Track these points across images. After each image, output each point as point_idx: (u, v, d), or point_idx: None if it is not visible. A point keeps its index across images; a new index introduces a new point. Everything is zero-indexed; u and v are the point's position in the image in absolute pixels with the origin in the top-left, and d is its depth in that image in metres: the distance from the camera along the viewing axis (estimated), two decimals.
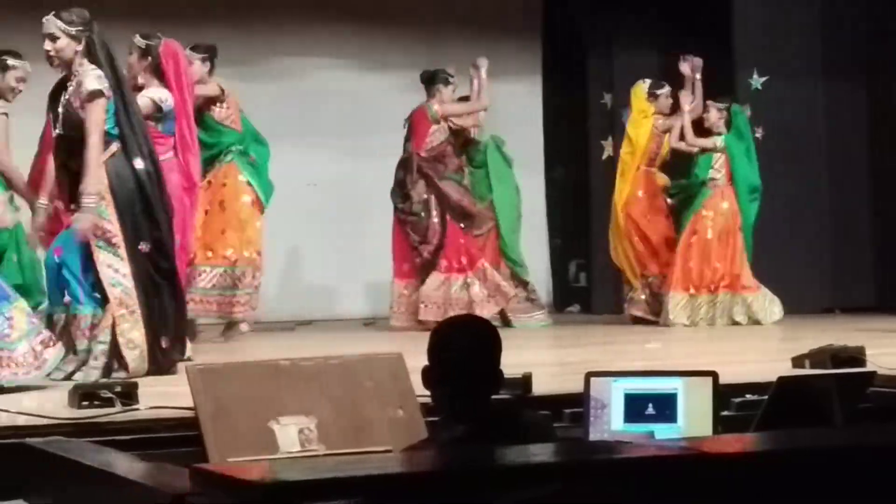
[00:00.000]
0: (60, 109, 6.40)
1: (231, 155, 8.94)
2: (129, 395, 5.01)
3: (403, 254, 9.65)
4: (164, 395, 5.09)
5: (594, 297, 11.97)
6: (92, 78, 6.32)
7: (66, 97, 6.39)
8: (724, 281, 9.77)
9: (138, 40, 7.50)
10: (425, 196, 9.61)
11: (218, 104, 8.81)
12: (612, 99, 11.66)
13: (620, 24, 11.64)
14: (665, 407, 4.02)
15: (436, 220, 9.63)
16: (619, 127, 11.17)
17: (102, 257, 6.34)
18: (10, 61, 7.41)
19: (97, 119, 6.29)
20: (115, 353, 6.29)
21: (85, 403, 4.96)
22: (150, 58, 7.41)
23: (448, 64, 9.95)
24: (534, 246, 10.75)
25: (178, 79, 7.44)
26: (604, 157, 11.80)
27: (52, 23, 6.35)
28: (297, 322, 10.25)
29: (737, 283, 9.79)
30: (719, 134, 9.97)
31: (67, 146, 6.41)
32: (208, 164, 8.78)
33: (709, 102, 10.06)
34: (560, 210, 12.24)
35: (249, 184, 8.90)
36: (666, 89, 10.13)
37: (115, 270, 6.37)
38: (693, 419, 3.99)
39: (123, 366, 6.29)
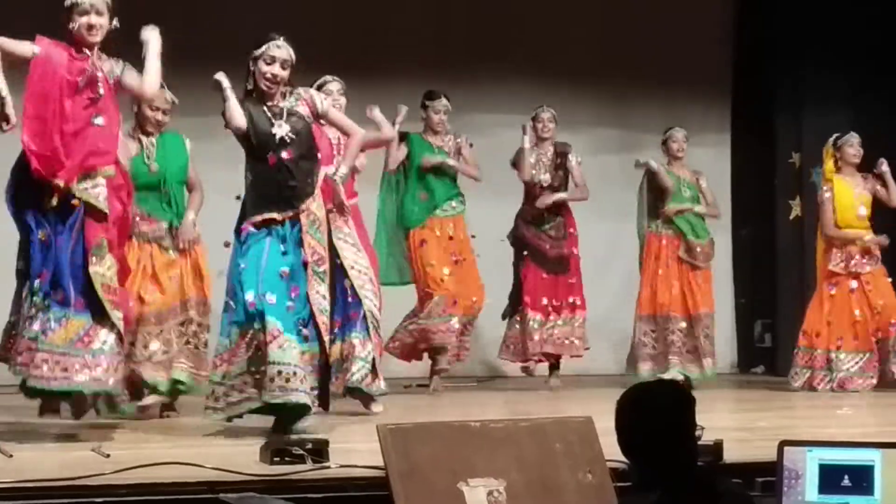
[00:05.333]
0: (285, 131, 6.51)
1: (462, 204, 9.27)
2: (319, 452, 5.07)
3: None
4: (354, 453, 5.14)
5: (779, 359, 11.79)
6: (320, 97, 6.72)
7: (291, 114, 6.52)
8: None
9: None
10: None
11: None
12: (801, 158, 11.54)
13: (810, 84, 11.52)
14: (861, 479, 3.94)
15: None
16: (808, 186, 11.03)
17: (316, 285, 6.50)
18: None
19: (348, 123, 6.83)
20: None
21: (276, 460, 5.04)
22: None
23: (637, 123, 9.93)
24: (719, 305, 10.61)
25: None
26: (791, 216, 11.68)
27: (290, 50, 6.56)
28: (479, 378, 10.29)
29: None
30: None
31: (301, 165, 6.52)
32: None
33: None
34: (746, 269, 12.12)
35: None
36: (848, 137, 9.89)
37: (324, 297, 6.52)
38: (891, 492, 3.90)
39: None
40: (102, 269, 6.15)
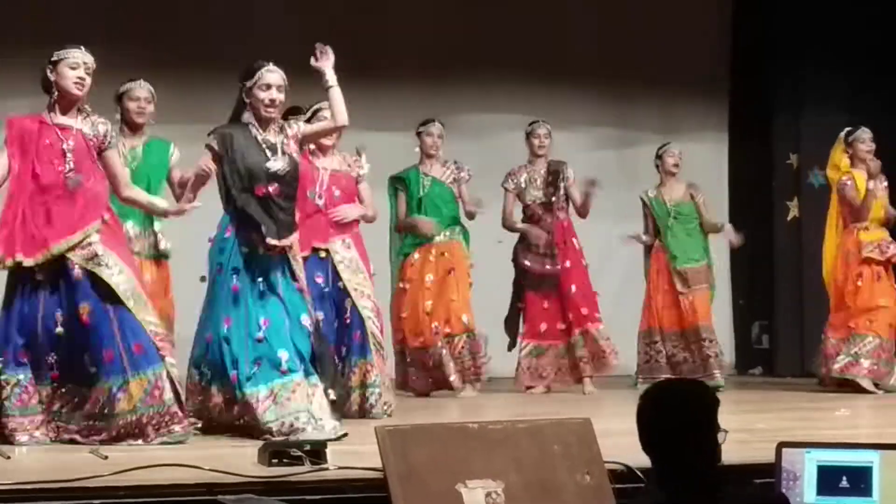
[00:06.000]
0: (280, 166, 6.50)
1: (460, 234, 9.32)
2: (318, 454, 5.06)
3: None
4: (353, 455, 5.14)
5: (777, 360, 11.81)
6: (297, 125, 6.75)
7: (285, 153, 6.53)
8: None
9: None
10: None
11: None
12: (798, 159, 11.54)
13: (808, 84, 11.53)
14: (860, 480, 3.95)
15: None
16: (806, 188, 11.04)
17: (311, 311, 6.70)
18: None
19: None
20: None
21: (275, 461, 5.03)
22: None
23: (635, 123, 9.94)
24: (717, 306, 10.63)
25: None
26: (789, 217, 11.69)
27: (281, 74, 6.55)
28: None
29: None
30: None
31: (286, 203, 6.55)
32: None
33: None
34: (744, 271, 12.11)
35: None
36: (859, 133, 9.77)
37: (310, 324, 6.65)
38: (889, 494, 3.91)
39: None
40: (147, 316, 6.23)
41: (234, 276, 6.49)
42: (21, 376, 6.14)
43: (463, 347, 9.12)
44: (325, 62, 6.62)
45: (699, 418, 3.41)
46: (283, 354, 6.37)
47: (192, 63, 9.77)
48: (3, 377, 6.13)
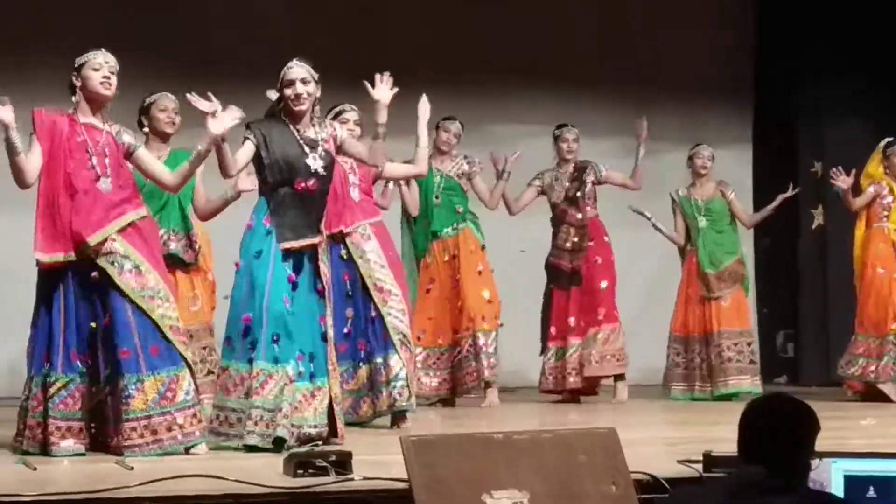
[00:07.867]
0: (319, 165, 6.53)
1: (466, 222, 9.25)
2: (343, 464, 5.06)
3: None
4: (378, 465, 5.15)
5: (802, 369, 11.78)
6: (341, 130, 6.80)
7: (321, 143, 6.56)
8: None
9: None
10: None
11: None
12: (823, 167, 11.50)
13: (832, 92, 11.50)
14: (887, 490, 3.94)
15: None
16: (831, 196, 11.00)
17: (327, 312, 6.64)
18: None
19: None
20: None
21: (300, 472, 5.04)
22: None
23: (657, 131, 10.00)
24: None
25: None
26: (814, 226, 11.65)
27: (305, 67, 6.57)
28: (502, 388, 10.25)
29: None
30: None
31: (320, 199, 6.59)
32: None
33: None
34: (769, 279, 12.09)
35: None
36: None
37: (329, 324, 6.67)
38: None
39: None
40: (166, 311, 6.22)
41: (285, 264, 6.48)
42: (71, 378, 6.14)
43: (468, 349, 9.13)
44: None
45: (786, 437, 3.43)
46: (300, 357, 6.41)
47: (192, 63, 9.80)
48: (51, 378, 6.13)
